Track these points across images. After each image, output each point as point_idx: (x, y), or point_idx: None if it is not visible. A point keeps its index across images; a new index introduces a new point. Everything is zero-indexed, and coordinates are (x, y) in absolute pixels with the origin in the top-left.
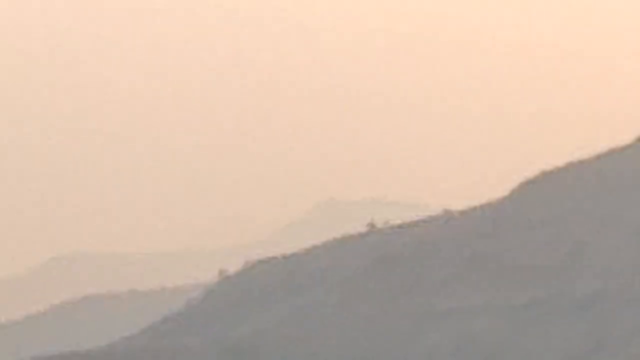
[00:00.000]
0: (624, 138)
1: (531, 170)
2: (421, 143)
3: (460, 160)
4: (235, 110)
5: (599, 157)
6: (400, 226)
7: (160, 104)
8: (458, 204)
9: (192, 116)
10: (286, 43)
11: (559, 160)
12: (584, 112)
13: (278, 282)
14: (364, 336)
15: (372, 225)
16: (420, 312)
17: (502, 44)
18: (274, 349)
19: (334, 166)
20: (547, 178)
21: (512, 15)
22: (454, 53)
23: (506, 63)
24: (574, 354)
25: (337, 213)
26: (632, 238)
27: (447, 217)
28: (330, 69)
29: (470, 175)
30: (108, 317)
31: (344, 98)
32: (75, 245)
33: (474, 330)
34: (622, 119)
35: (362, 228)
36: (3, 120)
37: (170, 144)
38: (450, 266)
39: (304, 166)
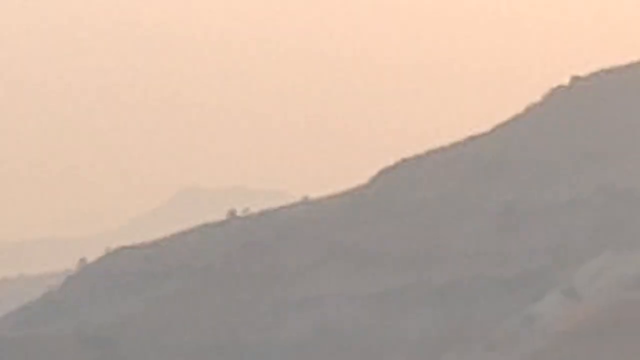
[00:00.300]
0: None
1: (391, 157)
2: (280, 131)
3: (320, 148)
4: (99, 97)
5: (459, 144)
6: (260, 214)
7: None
8: (317, 192)
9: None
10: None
11: (417, 146)
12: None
13: (138, 270)
14: (224, 325)
15: (232, 213)
16: (279, 301)
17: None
18: (133, 338)
19: (195, 154)
20: (406, 165)
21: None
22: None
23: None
24: (430, 342)
25: (199, 201)
26: (490, 225)
27: (307, 205)
28: (188, 53)
29: (330, 163)
30: None
31: (204, 87)
32: None
33: (332, 319)
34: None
35: (222, 215)
36: None
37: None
38: (309, 254)
39: (165, 154)
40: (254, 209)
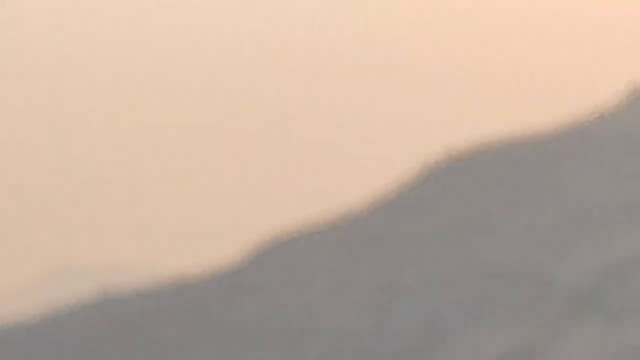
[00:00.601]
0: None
1: (263, 233)
2: (152, 209)
3: (193, 225)
4: None
5: (334, 219)
6: (134, 292)
7: None
8: (192, 268)
9: None
10: None
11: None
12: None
13: (12, 354)
14: None
15: (105, 292)
16: None
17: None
18: None
19: (68, 231)
20: (279, 240)
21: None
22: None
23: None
24: None
25: (71, 279)
26: (363, 301)
27: (182, 282)
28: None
29: (201, 239)
30: None
31: (82, 162)
32: None
33: None
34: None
35: (96, 294)
36: None
37: None
38: (185, 332)
39: (37, 230)
40: (128, 287)
